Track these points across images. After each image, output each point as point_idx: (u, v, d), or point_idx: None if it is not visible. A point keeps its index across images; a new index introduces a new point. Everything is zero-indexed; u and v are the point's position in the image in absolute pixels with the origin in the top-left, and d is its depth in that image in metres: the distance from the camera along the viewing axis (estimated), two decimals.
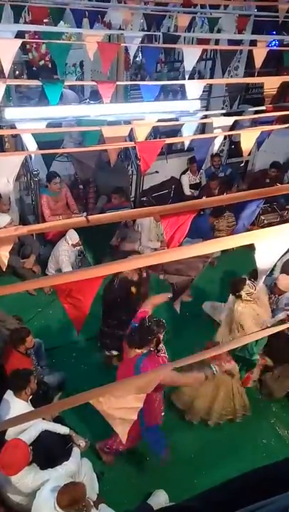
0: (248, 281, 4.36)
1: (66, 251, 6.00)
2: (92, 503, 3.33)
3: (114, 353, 4.99)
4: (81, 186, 7.25)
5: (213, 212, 6.90)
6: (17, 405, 3.72)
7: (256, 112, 5.46)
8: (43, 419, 3.82)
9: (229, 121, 4.61)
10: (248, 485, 1.22)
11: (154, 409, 3.75)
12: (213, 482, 1.44)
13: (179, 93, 8.46)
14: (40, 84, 4.26)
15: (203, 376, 3.57)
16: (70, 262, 6.03)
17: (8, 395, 3.81)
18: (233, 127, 4.89)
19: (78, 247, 6.09)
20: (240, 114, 5.99)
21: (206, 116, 5.37)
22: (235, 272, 5.98)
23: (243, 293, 4.35)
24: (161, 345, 3.70)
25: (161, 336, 3.64)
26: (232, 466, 4.13)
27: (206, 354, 2.20)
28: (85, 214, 6.57)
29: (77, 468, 3.57)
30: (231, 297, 4.52)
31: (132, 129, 4.13)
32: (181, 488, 3.91)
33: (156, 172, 7.87)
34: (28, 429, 3.62)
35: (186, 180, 7.96)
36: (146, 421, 3.69)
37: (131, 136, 4.40)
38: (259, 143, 4.76)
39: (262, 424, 4.75)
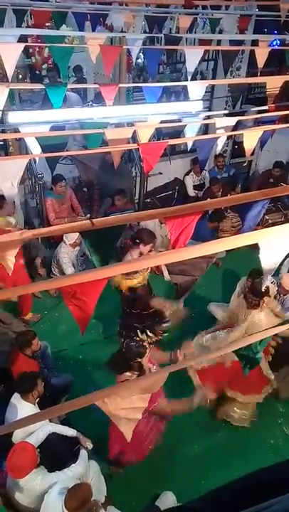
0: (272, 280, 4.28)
1: (66, 252, 6.00)
2: (100, 505, 3.33)
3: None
4: (85, 189, 7.27)
5: (211, 218, 6.88)
6: (24, 408, 3.73)
7: (259, 112, 5.45)
8: (51, 421, 3.83)
9: (232, 121, 4.61)
10: (255, 485, 1.22)
11: (140, 441, 3.67)
12: (220, 483, 1.44)
13: (182, 94, 8.48)
14: (44, 87, 4.27)
15: (194, 403, 3.42)
16: (72, 263, 6.03)
17: (16, 397, 3.82)
18: (235, 127, 4.89)
19: (78, 247, 6.07)
20: (242, 114, 6.00)
21: (208, 117, 5.38)
22: (240, 272, 5.97)
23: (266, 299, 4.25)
24: (152, 367, 3.47)
25: (144, 359, 3.36)
26: (239, 466, 4.12)
27: (212, 355, 2.20)
28: (88, 216, 6.61)
29: (84, 470, 3.57)
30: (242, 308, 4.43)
31: (135, 131, 4.14)
32: (189, 490, 3.90)
33: (160, 173, 7.87)
34: (35, 432, 3.63)
35: (190, 181, 7.96)
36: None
37: (134, 138, 4.41)
38: (262, 142, 4.75)
39: (269, 425, 4.73)
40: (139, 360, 3.32)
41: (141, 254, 4.68)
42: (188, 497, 3.67)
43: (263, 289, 4.06)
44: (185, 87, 5.34)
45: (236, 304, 4.52)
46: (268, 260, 2.15)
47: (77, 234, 5.82)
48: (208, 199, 7.30)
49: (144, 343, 3.30)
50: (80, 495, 3.07)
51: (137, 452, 3.76)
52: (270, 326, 4.34)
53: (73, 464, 3.53)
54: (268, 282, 3.11)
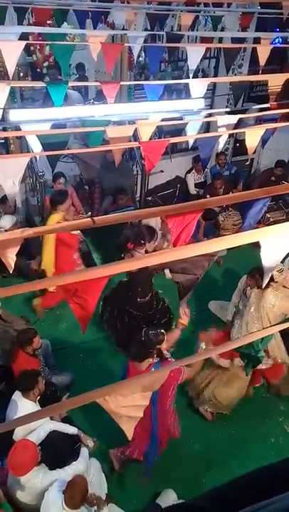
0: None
1: None
2: (101, 499, 3.34)
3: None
4: (86, 187, 7.26)
5: (203, 215, 6.87)
6: (25, 406, 3.74)
7: (261, 110, 5.44)
8: (52, 419, 3.84)
9: (234, 119, 4.59)
10: (256, 483, 1.22)
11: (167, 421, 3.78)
12: (222, 480, 1.44)
13: (183, 92, 8.44)
14: (45, 85, 4.27)
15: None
16: None
17: (17, 395, 3.83)
18: (237, 125, 4.87)
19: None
20: (244, 112, 5.97)
21: (210, 115, 5.36)
22: (241, 270, 5.96)
23: (274, 272, 4.24)
24: (166, 354, 3.64)
25: (163, 346, 3.55)
26: (240, 464, 4.14)
27: (213, 352, 2.20)
28: (90, 214, 6.59)
29: (85, 468, 3.58)
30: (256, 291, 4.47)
31: (136, 129, 4.13)
32: (190, 487, 3.91)
33: (161, 171, 7.86)
34: (36, 430, 3.64)
35: (191, 180, 7.95)
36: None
37: (135, 136, 4.40)
38: (264, 141, 4.74)
39: (270, 422, 4.74)
40: (159, 346, 3.48)
41: (146, 251, 4.70)
42: (190, 495, 3.70)
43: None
44: (186, 85, 5.33)
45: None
46: (269, 258, 2.15)
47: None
48: (208, 195, 7.32)
49: (161, 330, 3.50)
50: (77, 489, 3.08)
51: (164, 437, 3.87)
52: (284, 311, 4.37)
53: (74, 462, 3.54)
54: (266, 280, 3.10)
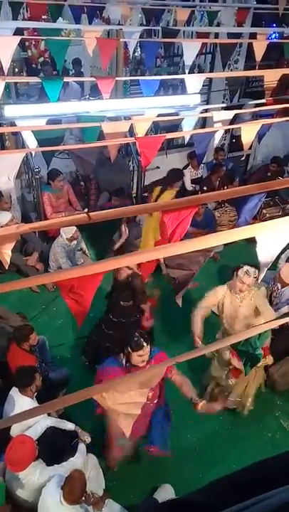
0: (246, 268, 4.09)
1: (62, 247, 5.98)
2: (99, 497, 3.34)
3: None
4: (82, 183, 7.24)
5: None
6: (22, 402, 3.74)
7: (257, 105, 5.43)
8: (49, 415, 3.84)
9: (229, 114, 4.59)
10: (253, 477, 1.22)
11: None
12: (218, 475, 1.45)
13: (179, 88, 8.43)
14: (40, 81, 4.25)
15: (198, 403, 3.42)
16: (69, 258, 6.02)
17: (14, 392, 3.83)
18: (233, 121, 4.87)
19: (75, 241, 6.05)
20: (240, 107, 5.98)
21: (206, 111, 5.36)
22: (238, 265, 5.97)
23: (244, 268, 4.08)
24: (140, 365, 3.39)
25: (135, 356, 3.32)
26: (237, 459, 4.15)
27: (208, 348, 2.21)
28: (86, 210, 6.59)
29: (83, 463, 3.59)
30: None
31: (132, 125, 4.12)
32: (187, 482, 3.92)
33: (158, 167, 7.84)
34: (33, 426, 3.64)
35: (188, 175, 7.94)
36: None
37: (131, 132, 4.39)
38: (260, 136, 4.74)
39: (266, 418, 4.76)
40: (130, 351, 3.31)
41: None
42: (187, 489, 3.68)
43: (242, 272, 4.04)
44: (182, 81, 5.33)
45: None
46: (265, 254, 2.15)
47: (75, 228, 5.81)
48: (205, 188, 7.33)
49: (143, 342, 3.29)
50: (75, 484, 3.09)
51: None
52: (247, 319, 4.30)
53: (71, 458, 3.55)
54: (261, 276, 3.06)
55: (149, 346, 3.31)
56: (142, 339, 3.28)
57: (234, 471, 1.28)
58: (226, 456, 4.26)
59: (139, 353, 3.28)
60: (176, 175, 6.14)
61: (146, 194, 7.50)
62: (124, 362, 3.40)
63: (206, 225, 6.67)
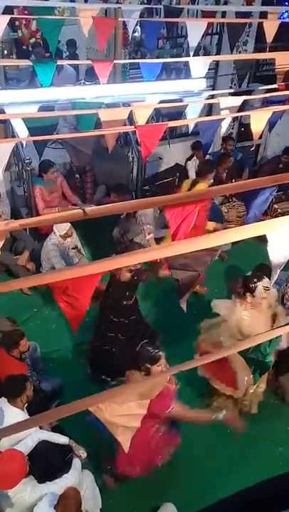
0: (263, 284, 4.19)
1: (56, 245, 5.98)
2: None
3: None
4: (77, 175, 7.24)
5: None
6: (12, 414, 3.74)
7: (267, 91, 5.43)
8: (40, 428, 3.84)
9: (238, 101, 4.59)
10: (263, 496, 1.23)
11: (152, 445, 3.74)
12: (226, 493, 1.45)
13: (183, 71, 8.43)
14: (31, 64, 4.25)
15: (211, 417, 3.63)
16: (63, 257, 6.02)
17: (2, 403, 3.83)
18: (242, 108, 4.87)
19: (70, 239, 6.05)
20: (249, 93, 5.96)
21: (212, 97, 5.36)
22: (247, 266, 5.97)
23: (260, 286, 4.16)
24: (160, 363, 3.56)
25: (155, 367, 3.47)
26: (245, 476, 4.14)
27: (209, 358, 2.21)
28: (81, 204, 6.59)
29: (77, 481, 3.59)
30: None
31: (131, 112, 4.12)
32: (191, 502, 3.93)
33: (159, 158, 7.85)
34: (24, 440, 3.65)
35: (192, 167, 7.91)
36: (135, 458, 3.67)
37: (130, 120, 4.39)
38: (271, 124, 4.74)
39: (277, 431, 4.76)
40: (149, 366, 3.45)
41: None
42: (191, 509, 3.70)
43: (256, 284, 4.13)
44: (187, 64, 5.32)
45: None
46: (277, 253, 2.15)
47: (69, 224, 5.81)
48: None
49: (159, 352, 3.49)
50: (70, 503, 3.10)
51: (145, 463, 3.82)
52: (256, 329, 4.32)
53: (65, 474, 3.55)
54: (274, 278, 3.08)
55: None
56: (156, 350, 3.46)
57: (242, 490, 1.28)
58: (234, 473, 4.26)
59: (159, 363, 3.44)
60: (208, 166, 6.23)
61: (146, 187, 7.51)
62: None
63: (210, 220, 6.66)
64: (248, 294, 4.23)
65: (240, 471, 4.27)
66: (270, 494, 1.20)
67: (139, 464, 3.77)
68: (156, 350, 3.49)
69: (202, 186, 5.80)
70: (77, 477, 3.61)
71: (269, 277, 4.06)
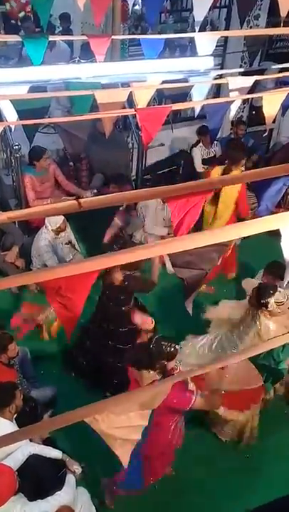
0: (279, 289, 4.22)
1: (48, 240, 5.98)
2: None
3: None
4: (71, 163, 7.24)
5: None
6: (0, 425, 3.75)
7: (281, 70, 5.41)
8: (31, 441, 3.86)
9: (249, 81, 4.58)
10: None
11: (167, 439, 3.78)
12: None
13: (188, 48, 8.42)
14: (20, 40, 4.24)
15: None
16: (56, 254, 6.03)
17: None
18: (253, 89, 4.85)
19: (63, 234, 6.05)
20: (261, 72, 5.96)
21: (220, 76, 5.34)
22: (258, 264, 5.97)
23: (271, 302, 4.22)
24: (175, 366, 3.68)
25: (171, 363, 3.60)
26: (253, 494, 4.16)
27: (221, 363, 2.22)
28: (78, 192, 6.57)
29: (71, 498, 3.60)
30: (250, 308, 4.44)
31: (131, 93, 4.11)
32: None
33: (162, 145, 7.83)
34: (13, 453, 3.66)
35: (198, 154, 7.92)
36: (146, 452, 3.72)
37: (130, 102, 4.39)
38: (284, 108, 4.73)
39: None
40: (165, 362, 3.51)
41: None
42: None
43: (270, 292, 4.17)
44: (192, 40, 5.30)
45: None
46: None
47: (62, 217, 5.80)
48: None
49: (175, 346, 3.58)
50: None
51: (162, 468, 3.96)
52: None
53: (58, 492, 3.56)
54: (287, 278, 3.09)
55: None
56: (172, 344, 3.55)
57: (252, 510, 1.29)
58: (242, 491, 4.28)
59: (175, 360, 3.56)
60: (239, 151, 6.22)
61: (148, 177, 7.50)
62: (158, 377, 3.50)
63: None
64: (263, 307, 4.26)
65: (252, 489, 4.29)
66: None
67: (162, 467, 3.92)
68: (173, 345, 3.56)
69: (235, 174, 5.78)
70: (72, 494, 3.62)
71: (282, 276, 4.06)
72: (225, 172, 5.95)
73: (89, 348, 5.05)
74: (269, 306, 4.20)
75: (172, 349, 3.55)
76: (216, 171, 6.12)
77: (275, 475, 4.47)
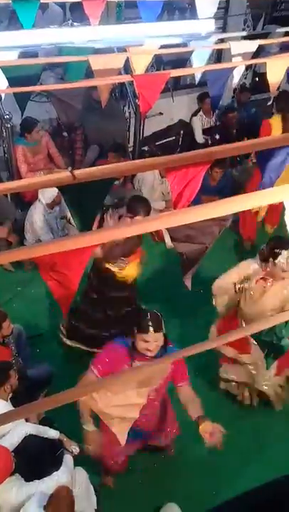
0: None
1: (42, 214, 5.96)
2: None
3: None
4: (65, 134, 7.18)
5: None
6: None
7: (286, 34, 5.36)
8: (27, 421, 3.90)
9: (252, 46, 4.54)
10: (278, 495, 1.25)
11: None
12: (236, 493, 1.48)
13: (188, 11, 8.27)
14: (9, 1, 4.17)
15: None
16: (50, 228, 6.02)
17: None
18: (257, 54, 4.80)
19: (57, 207, 6.03)
20: (265, 36, 5.88)
21: (222, 41, 5.27)
22: (260, 238, 5.98)
23: (284, 255, 4.06)
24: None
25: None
26: (259, 472, 4.20)
27: (223, 340, 2.23)
28: (70, 168, 6.54)
29: (69, 478, 3.65)
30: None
31: (127, 59, 4.07)
32: (197, 501, 3.99)
33: (160, 114, 7.77)
34: (9, 434, 3.69)
35: (198, 124, 7.86)
36: None
37: (127, 68, 4.34)
38: None
39: None
40: (135, 330, 3.31)
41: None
42: (197, 510, 3.77)
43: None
44: (192, 2, 5.23)
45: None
46: None
47: (56, 190, 5.78)
48: (218, 136, 7.27)
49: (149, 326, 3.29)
50: (61, 503, 3.15)
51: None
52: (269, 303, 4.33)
53: (55, 472, 3.61)
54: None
55: (160, 335, 3.26)
56: (150, 322, 3.23)
57: (255, 488, 1.30)
58: (245, 468, 4.33)
59: (143, 337, 3.22)
60: None
61: (145, 148, 7.44)
62: (130, 344, 3.36)
63: (218, 191, 6.60)
64: (270, 259, 4.19)
65: (253, 466, 4.34)
66: (282, 494, 1.23)
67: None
68: (150, 322, 3.26)
69: None
70: (69, 474, 3.67)
71: (286, 247, 4.06)
72: (283, 119, 5.80)
73: (84, 318, 5.05)
74: (281, 257, 4.07)
75: (144, 321, 3.25)
76: (275, 120, 5.95)
77: (278, 455, 4.51)
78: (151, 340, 3.21)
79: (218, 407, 4.65)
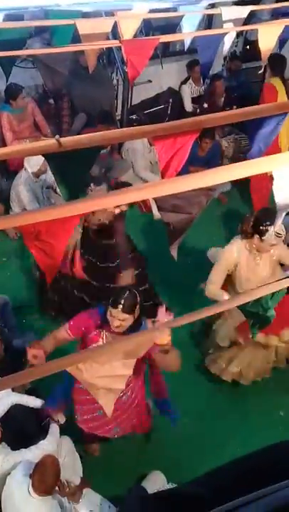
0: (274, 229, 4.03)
1: (27, 184, 5.91)
2: (75, 486, 3.48)
3: None
4: (52, 101, 7.08)
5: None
6: None
7: (278, 1, 5.27)
8: (13, 391, 3.92)
9: (243, 12, 4.46)
10: (260, 466, 1.27)
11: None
12: (219, 462, 1.50)
13: None
14: None
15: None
16: (36, 197, 5.97)
17: None
18: (248, 20, 4.73)
19: (43, 176, 5.97)
20: (257, 2, 5.78)
21: (212, 6, 5.18)
22: (249, 209, 5.97)
23: (271, 231, 4.02)
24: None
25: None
26: (242, 442, 4.30)
27: (207, 312, 2.23)
28: (57, 136, 6.45)
29: (55, 447, 3.70)
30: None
31: (115, 23, 3.99)
32: (181, 470, 4.07)
33: (149, 81, 7.67)
34: None
35: (188, 92, 7.78)
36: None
37: (114, 33, 4.27)
38: (281, 42, 4.64)
39: (280, 394, 4.88)
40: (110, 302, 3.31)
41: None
42: (181, 478, 3.85)
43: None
44: None
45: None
46: (284, 194, 2.14)
47: (42, 158, 5.71)
48: (206, 105, 7.19)
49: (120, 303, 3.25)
50: (47, 471, 3.19)
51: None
52: (255, 277, 4.34)
53: (42, 441, 3.65)
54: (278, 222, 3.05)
55: (129, 317, 3.25)
56: (123, 300, 3.21)
57: (237, 458, 1.32)
58: (229, 438, 4.41)
59: (111, 310, 3.24)
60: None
61: (133, 116, 7.36)
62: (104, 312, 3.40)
63: (207, 161, 6.55)
64: (256, 236, 4.15)
65: (237, 437, 4.42)
66: (267, 463, 1.24)
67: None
68: (121, 300, 3.22)
69: None
70: (55, 443, 3.72)
71: (273, 222, 4.02)
72: (284, 81, 5.78)
73: (70, 287, 5.04)
74: (268, 234, 4.03)
75: (116, 296, 3.24)
76: (275, 81, 5.90)
77: (263, 423, 4.60)
78: (116, 317, 3.23)
79: (201, 381, 4.76)
